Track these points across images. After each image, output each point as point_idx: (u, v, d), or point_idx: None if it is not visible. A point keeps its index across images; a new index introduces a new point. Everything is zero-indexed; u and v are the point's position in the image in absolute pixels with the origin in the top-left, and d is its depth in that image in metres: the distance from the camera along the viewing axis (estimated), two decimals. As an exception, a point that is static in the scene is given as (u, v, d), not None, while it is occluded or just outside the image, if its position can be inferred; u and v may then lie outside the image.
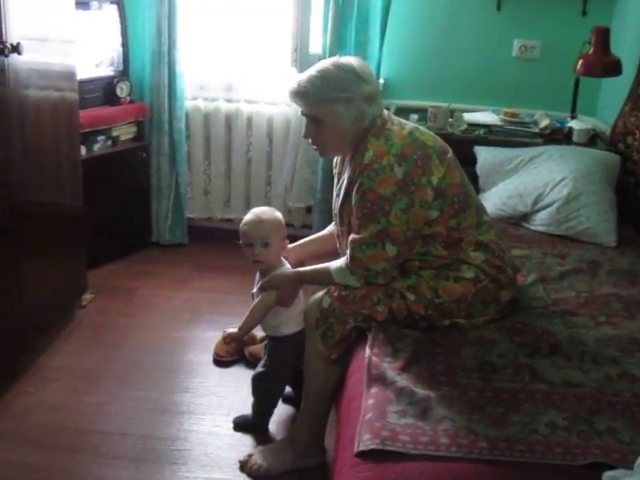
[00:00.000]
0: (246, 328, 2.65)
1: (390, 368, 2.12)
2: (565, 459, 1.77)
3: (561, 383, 2.07)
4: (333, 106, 2.34)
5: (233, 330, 2.67)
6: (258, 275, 2.70)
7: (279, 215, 2.68)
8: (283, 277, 2.59)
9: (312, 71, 2.39)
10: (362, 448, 1.80)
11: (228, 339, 2.73)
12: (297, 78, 2.41)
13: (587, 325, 2.41)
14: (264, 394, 2.76)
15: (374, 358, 2.17)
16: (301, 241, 2.81)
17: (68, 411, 2.84)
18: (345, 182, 2.46)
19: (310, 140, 2.48)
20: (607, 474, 1.65)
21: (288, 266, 2.65)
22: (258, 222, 2.61)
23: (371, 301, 2.36)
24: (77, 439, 2.69)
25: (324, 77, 2.36)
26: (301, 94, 2.39)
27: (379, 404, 1.96)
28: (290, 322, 2.62)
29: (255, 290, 2.68)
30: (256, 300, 2.62)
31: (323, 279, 2.47)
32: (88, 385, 3.01)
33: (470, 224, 2.42)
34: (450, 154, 2.47)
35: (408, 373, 2.11)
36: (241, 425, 2.78)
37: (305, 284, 2.63)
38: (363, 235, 2.34)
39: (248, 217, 2.65)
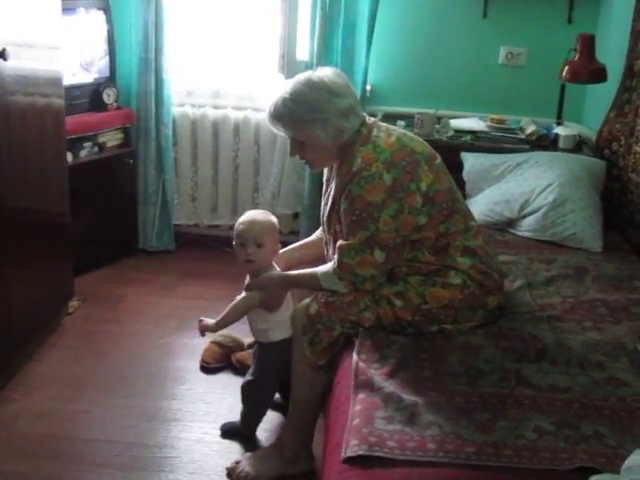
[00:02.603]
0: (222, 323, 2.61)
1: (377, 374, 2.12)
2: (552, 464, 1.78)
3: (548, 388, 2.08)
4: (309, 128, 2.36)
5: (209, 321, 2.64)
6: (248, 278, 2.70)
7: (274, 218, 2.67)
8: (269, 279, 2.58)
9: (286, 93, 2.38)
10: (349, 454, 1.80)
11: (201, 328, 2.66)
12: (272, 101, 2.41)
13: (573, 330, 2.42)
14: (253, 402, 2.75)
15: (361, 364, 2.17)
16: (289, 247, 2.81)
17: (54, 419, 2.82)
18: (333, 191, 2.46)
19: (298, 157, 2.51)
20: (594, 478, 1.65)
21: (279, 270, 2.64)
22: (252, 222, 2.61)
23: (358, 307, 2.36)
24: (63, 447, 2.68)
25: (297, 100, 2.36)
26: (277, 118, 2.41)
27: (366, 410, 1.96)
28: (279, 328, 2.61)
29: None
30: (239, 297, 2.61)
31: (310, 284, 2.47)
32: (74, 392, 2.99)
33: (458, 230, 2.43)
34: (439, 160, 2.48)
35: (395, 379, 2.11)
36: (229, 432, 2.78)
37: (291, 288, 2.62)
38: (352, 241, 2.34)
39: (243, 217, 2.65)
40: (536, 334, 2.36)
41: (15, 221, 2.95)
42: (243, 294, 2.61)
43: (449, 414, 1.95)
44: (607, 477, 1.65)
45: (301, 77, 2.43)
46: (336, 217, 2.45)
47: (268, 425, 2.81)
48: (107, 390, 3.02)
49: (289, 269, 2.68)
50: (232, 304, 2.61)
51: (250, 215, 2.65)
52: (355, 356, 2.22)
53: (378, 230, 2.31)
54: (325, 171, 2.64)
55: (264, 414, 2.77)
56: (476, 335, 2.35)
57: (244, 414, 2.77)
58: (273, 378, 2.72)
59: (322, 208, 2.61)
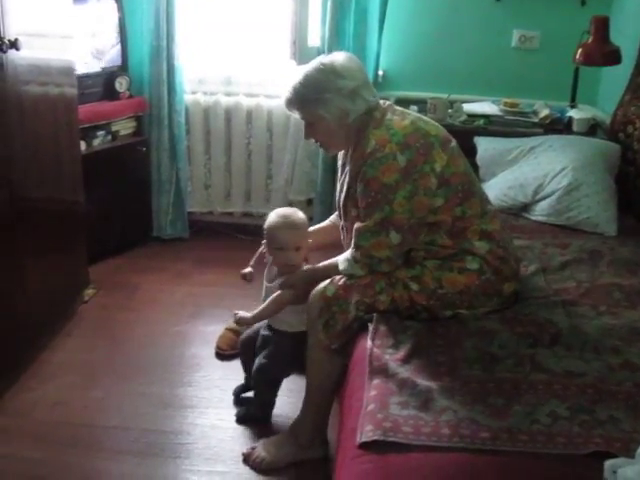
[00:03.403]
0: (258, 318, 2.69)
1: (392, 360, 2.13)
2: (567, 448, 1.78)
3: (562, 373, 2.07)
4: (313, 108, 2.41)
5: (245, 314, 2.69)
6: (274, 270, 2.73)
7: (304, 216, 2.71)
8: (299, 277, 2.61)
9: (299, 76, 2.44)
10: (364, 439, 1.80)
11: (240, 321, 2.73)
12: (289, 85, 2.46)
13: (588, 315, 2.41)
14: (264, 385, 2.77)
15: (376, 350, 2.17)
16: None
17: (71, 406, 2.85)
18: (348, 175, 2.47)
19: (313, 140, 2.55)
20: (608, 463, 1.65)
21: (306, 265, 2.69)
22: (293, 227, 2.64)
23: (374, 290, 2.36)
24: (80, 434, 2.70)
25: (305, 81, 2.41)
26: (288, 101, 2.47)
27: (381, 396, 1.96)
28: (300, 320, 2.62)
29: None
30: (274, 295, 2.64)
31: (333, 273, 2.48)
32: (90, 380, 3.01)
33: (475, 213, 2.42)
34: (454, 143, 2.48)
35: (410, 365, 2.11)
36: (244, 418, 2.79)
37: (319, 280, 2.63)
38: (367, 223, 2.35)
39: (280, 221, 2.66)
40: (551, 319, 2.35)
41: (29, 210, 2.96)
42: (276, 292, 2.64)
43: (464, 399, 1.95)
44: (622, 461, 1.64)
45: (316, 59, 2.48)
46: (352, 202, 2.45)
47: (283, 411, 2.82)
48: (123, 377, 3.04)
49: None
50: (268, 301, 2.64)
51: (287, 217, 2.66)
52: (369, 342, 2.22)
53: (393, 211, 2.32)
54: (340, 156, 2.65)
55: (275, 396, 2.79)
56: (491, 320, 2.35)
57: (256, 397, 2.80)
58: (286, 365, 2.75)
59: (337, 194, 2.62)
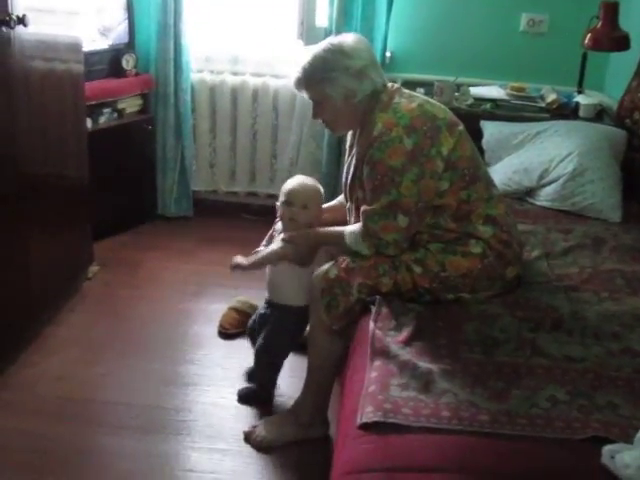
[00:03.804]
0: (256, 264, 2.68)
1: (393, 342, 2.14)
2: (565, 433, 1.79)
3: (562, 358, 2.08)
4: (320, 87, 2.43)
5: (242, 260, 2.69)
6: (270, 239, 2.76)
7: (321, 187, 2.76)
8: (301, 235, 2.63)
9: (308, 56, 2.46)
10: (364, 420, 1.81)
11: (235, 266, 2.70)
12: (299, 65, 2.48)
13: (590, 301, 2.41)
14: (266, 365, 2.79)
15: (377, 332, 2.18)
16: None
17: (73, 381, 2.87)
18: (355, 158, 2.48)
19: (320, 121, 2.57)
20: (607, 448, 1.67)
21: None
22: (303, 185, 2.71)
23: (377, 272, 2.37)
24: (82, 409, 2.72)
25: (313, 61, 2.44)
26: (297, 80, 2.49)
27: (382, 377, 1.98)
28: (304, 292, 2.63)
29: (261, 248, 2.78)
30: (274, 246, 2.67)
31: (337, 241, 2.51)
32: (93, 356, 3.03)
33: (480, 197, 2.43)
34: (461, 127, 2.48)
35: (411, 347, 2.12)
36: (245, 397, 2.81)
37: (320, 244, 2.65)
38: (375, 206, 2.36)
39: (294, 179, 2.75)
40: (552, 304, 2.36)
41: (35, 187, 2.97)
42: (279, 243, 2.65)
43: (464, 382, 1.97)
44: (620, 447, 1.66)
45: (324, 41, 2.50)
46: (358, 184, 2.46)
47: (284, 391, 2.84)
48: (126, 354, 3.06)
49: None
50: (267, 249, 2.68)
51: (301, 178, 2.76)
52: (372, 324, 2.23)
53: (400, 195, 2.33)
54: (348, 137, 2.65)
55: (277, 374, 2.81)
56: (492, 304, 2.36)
57: (257, 375, 2.82)
58: (287, 342, 2.76)
59: (344, 176, 2.62)
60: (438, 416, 1.83)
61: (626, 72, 3.60)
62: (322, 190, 2.75)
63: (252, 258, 2.69)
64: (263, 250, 2.72)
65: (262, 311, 2.83)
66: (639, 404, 1.90)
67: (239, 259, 2.70)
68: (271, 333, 2.75)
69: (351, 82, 2.40)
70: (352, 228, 2.47)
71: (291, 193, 2.68)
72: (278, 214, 2.75)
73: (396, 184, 2.32)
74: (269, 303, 2.81)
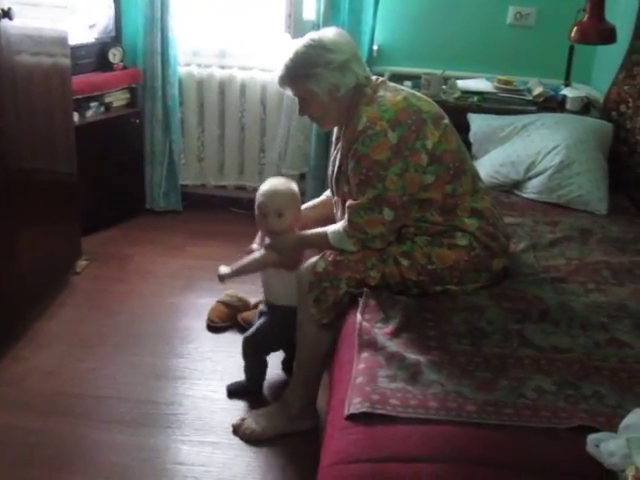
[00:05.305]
0: (238, 272, 2.68)
1: (381, 333, 2.15)
2: (551, 422, 1.80)
3: (549, 348, 2.10)
4: (304, 84, 2.42)
5: (225, 269, 2.68)
6: (258, 236, 2.75)
7: (294, 187, 2.70)
8: (283, 242, 2.63)
9: (289, 53, 2.44)
10: (352, 411, 1.82)
11: (221, 277, 2.69)
12: (281, 63, 2.46)
13: (577, 292, 2.43)
14: (253, 357, 2.79)
15: (365, 324, 2.19)
16: (303, 206, 2.82)
17: (63, 376, 2.87)
18: (340, 151, 2.48)
19: (307, 116, 2.56)
20: (591, 437, 1.68)
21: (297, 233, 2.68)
22: (273, 193, 2.64)
23: (365, 266, 2.38)
24: (72, 404, 2.72)
25: (295, 58, 2.42)
26: (280, 78, 2.48)
27: (370, 369, 1.99)
28: (293, 292, 2.63)
29: (254, 245, 2.76)
30: (257, 253, 2.66)
31: (320, 243, 2.49)
32: (83, 350, 3.03)
33: (466, 191, 2.43)
34: (446, 120, 2.48)
35: (399, 338, 2.13)
36: (235, 392, 2.81)
37: (304, 248, 2.65)
38: (361, 200, 2.36)
39: (264, 187, 2.68)
40: (539, 295, 2.37)
41: (23, 181, 2.96)
42: (262, 251, 2.65)
43: (451, 373, 1.98)
44: (604, 435, 1.67)
45: (306, 36, 2.47)
46: (344, 177, 2.46)
47: (273, 384, 2.86)
48: (115, 348, 3.06)
49: (304, 229, 2.70)
50: (249, 257, 2.67)
51: (271, 185, 2.68)
52: (359, 316, 2.23)
53: (386, 189, 2.33)
54: (335, 130, 2.65)
55: (265, 367, 2.82)
56: (480, 296, 2.37)
57: (246, 368, 2.82)
58: (276, 339, 2.78)
59: (330, 169, 2.62)
60: (426, 407, 1.84)
61: (613, 65, 3.62)
62: (296, 190, 2.69)
63: (235, 266, 2.67)
64: (246, 258, 2.69)
65: (262, 309, 2.84)
66: (625, 394, 1.92)
67: (223, 269, 2.69)
68: (260, 327, 2.76)
69: (334, 76, 2.39)
70: (335, 227, 2.46)
71: (262, 205, 2.63)
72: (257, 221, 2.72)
73: (381, 178, 2.32)
74: (265, 302, 2.82)
